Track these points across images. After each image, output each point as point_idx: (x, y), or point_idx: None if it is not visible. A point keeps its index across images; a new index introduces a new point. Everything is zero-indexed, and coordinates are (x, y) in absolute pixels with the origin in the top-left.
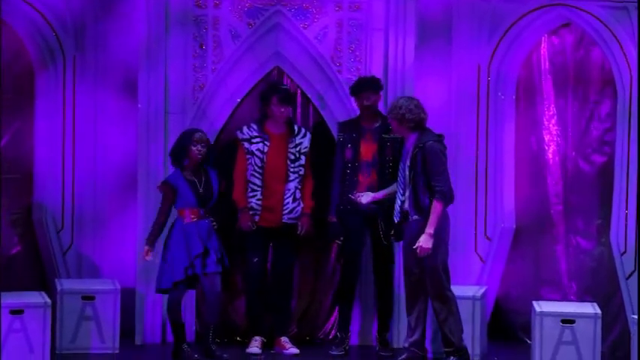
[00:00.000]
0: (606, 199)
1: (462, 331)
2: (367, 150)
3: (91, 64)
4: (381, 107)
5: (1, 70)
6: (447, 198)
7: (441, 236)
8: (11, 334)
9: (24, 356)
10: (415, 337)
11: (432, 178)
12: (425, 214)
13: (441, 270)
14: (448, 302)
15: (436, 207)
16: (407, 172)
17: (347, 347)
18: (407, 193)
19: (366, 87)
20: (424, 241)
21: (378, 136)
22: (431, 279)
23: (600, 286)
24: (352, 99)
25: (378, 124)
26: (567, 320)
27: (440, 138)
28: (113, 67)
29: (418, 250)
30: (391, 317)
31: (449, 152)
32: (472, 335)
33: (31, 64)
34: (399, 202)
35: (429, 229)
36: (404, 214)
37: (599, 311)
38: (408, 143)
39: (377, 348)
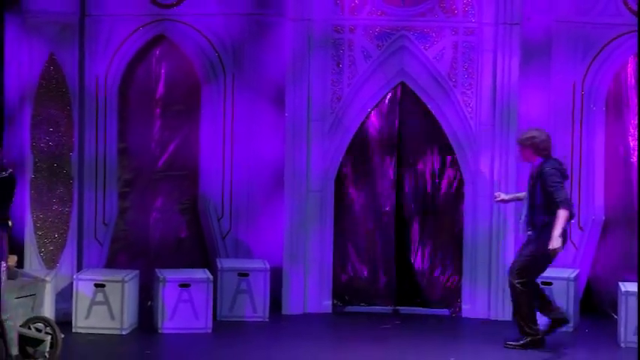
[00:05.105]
0: None
1: (532, 320)
2: None
3: (247, 80)
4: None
5: (172, 85)
6: (570, 206)
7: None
8: (180, 303)
9: (191, 322)
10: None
11: (552, 195)
12: (538, 231)
13: (528, 263)
14: (518, 291)
15: (560, 214)
16: (529, 193)
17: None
18: (527, 210)
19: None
20: (552, 244)
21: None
22: (516, 263)
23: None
24: (465, 108)
25: None
26: None
27: (558, 163)
28: (265, 82)
29: (550, 252)
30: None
31: (552, 155)
32: (567, 311)
33: (198, 80)
34: (524, 218)
35: (555, 232)
36: (528, 227)
37: None
38: (534, 168)
39: None
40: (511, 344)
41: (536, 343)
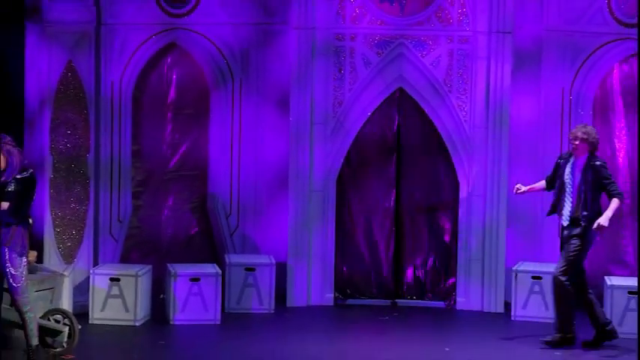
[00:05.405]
0: None
1: (571, 319)
2: None
3: (254, 85)
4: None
5: (183, 90)
6: (623, 198)
7: (595, 237)
8: (190, 296)
9: (200, 314)
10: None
11: (609, 186)
12: (587, 223)
13: (575, 261)
14: (565, 289)
15: (616, 202)
16: (578, 185)
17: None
18: (579, 203)
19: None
20: (603, 221)
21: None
22: (563, 261)
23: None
24: (460, 112)
25: None
26: (633, 292)
27: (602, 159)
28: (271, 87)
29: (595, 226)
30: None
31: (541, 157)
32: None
33: (207, 85)
34: (569, 209)
35: (609, 213)
36: (573, 219)
37: None
38: (579, 161)
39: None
40: (549, 341)
41: (569, 341)
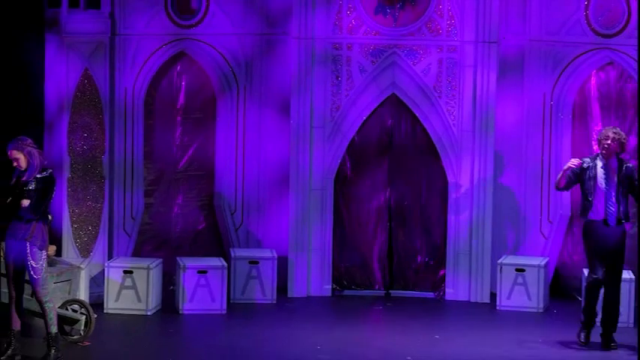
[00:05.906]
0: None
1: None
2: None
3: (257, 91)
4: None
5: (191, 96)
6: None
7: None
8: (198, 288)
9: (207, 304)
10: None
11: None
12: (623, 222)
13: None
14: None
15: None
16: (616, 185)
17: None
18: (618, 202)
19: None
20: None
21: None
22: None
23: (637, 258)
24: (449, 116)
25: None
26: None
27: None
28: (273, 93)
29: None
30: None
31: (524, 158)
32: (538, 294)
33: (214, 91)
34: (612, 209)
35: None
36: (617, 219)
37: (634, 277)
38: (612, 163)
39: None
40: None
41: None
